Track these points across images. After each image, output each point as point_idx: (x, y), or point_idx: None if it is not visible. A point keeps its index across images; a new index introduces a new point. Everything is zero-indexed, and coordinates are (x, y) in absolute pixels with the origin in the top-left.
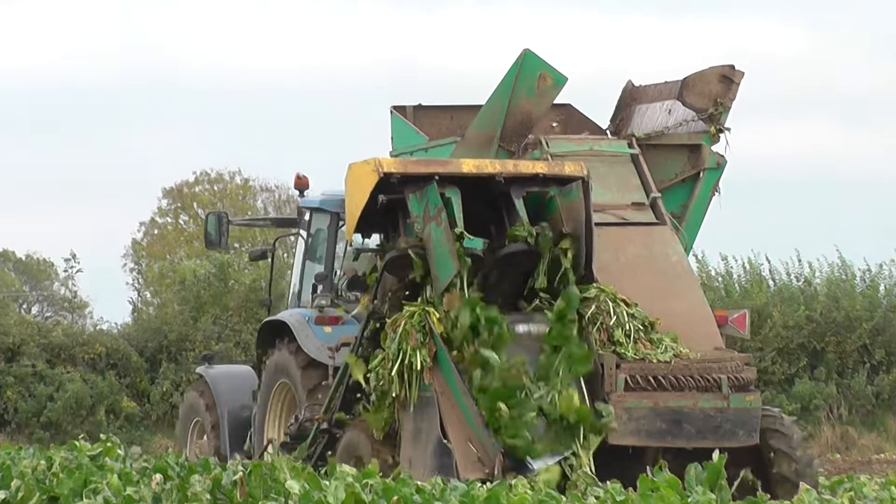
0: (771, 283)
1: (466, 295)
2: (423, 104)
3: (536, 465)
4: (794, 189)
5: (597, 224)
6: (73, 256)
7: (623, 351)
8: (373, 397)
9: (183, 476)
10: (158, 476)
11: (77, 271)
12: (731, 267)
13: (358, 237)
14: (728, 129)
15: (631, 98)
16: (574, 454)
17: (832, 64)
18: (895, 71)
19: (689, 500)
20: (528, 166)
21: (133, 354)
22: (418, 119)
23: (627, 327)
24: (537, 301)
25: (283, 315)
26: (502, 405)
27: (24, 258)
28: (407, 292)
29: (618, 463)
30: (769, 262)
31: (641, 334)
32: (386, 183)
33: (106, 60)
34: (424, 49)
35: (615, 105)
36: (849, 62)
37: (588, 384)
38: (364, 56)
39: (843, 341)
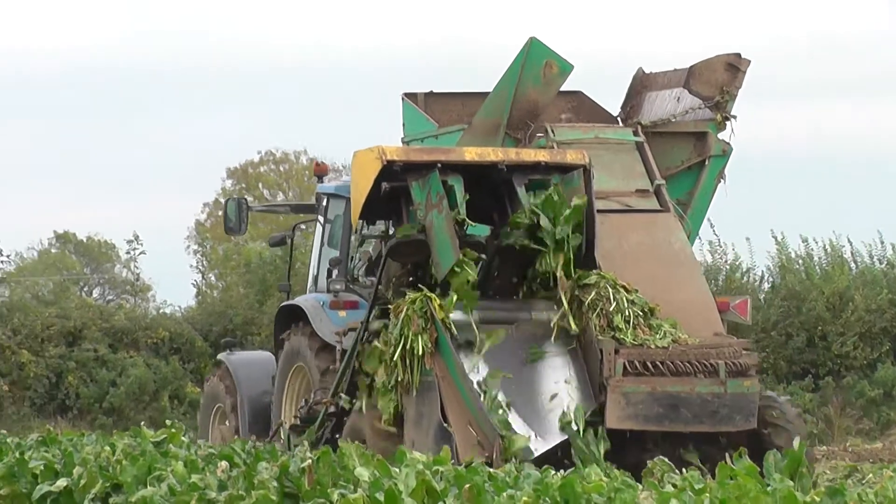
0: (853, 265)
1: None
2: (435, 91)
3: (538, 450)
4: (877, 169)
5: (601, 211)
6: (136, 238)
7: (622, 336)
8: (378, 382)
9: (249, 463)
10: (224, 463)
11: (140, 253)
12: (812, 249)
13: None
14: (734, 117)
15: (641, 85)
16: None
17: None
18: None
19: (769, 488)
20: (529, 154)
21: (197, 339)
22: (429, 106)
23: (627, 313)
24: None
25: (299, 300)
26: None
27: (85, 240)
28: (411, 278)
29: (616, 447)
30: (851, 244)
31: (641, 320)
32: (389, 170)
33: (165, 42)
34: (484, 27)
35: (626, 92)
36: None
37: (588, 369)
38: (433, 34)
39: None
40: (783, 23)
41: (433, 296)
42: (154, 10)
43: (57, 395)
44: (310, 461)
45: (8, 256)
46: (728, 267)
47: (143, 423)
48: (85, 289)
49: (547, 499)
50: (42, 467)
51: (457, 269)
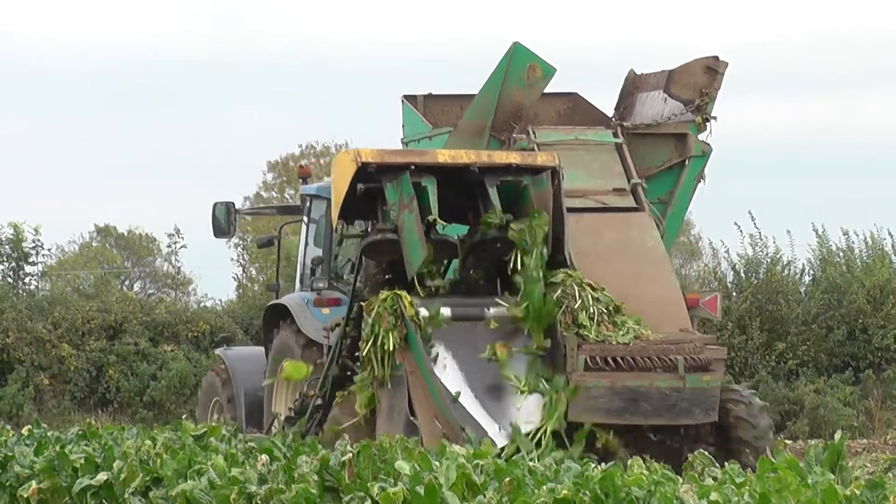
0: (894, 258)
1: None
2: (434, 93)
3: (499, 441)
4: None
5: (577, 209)
6: (177, 232)
7: (585, 333)
8: (358, 376)
9: (290, 457)
10: (264, 457)
11: (181, 247)
12: (853, 242)
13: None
14: (714, 118)
15: (633, 86)
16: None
17: None
18: None
19: (809, 480)
20: (501, 156)
21: (238, 332)
22: (429, 107)
23: (591, 310)
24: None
25: (285, 298)
26: None
27: (126, 234)
28: (387, 276)
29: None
30: (892, 236)
31: (605, 317)
32: (364, 172)
33: (208, 33)
34: (523, 27)
35: (619, 94)
36: None
37: (553, 364)
38: (474, 30)
39: None
40: (824, 14)
41: (403, 293)
42: (195, 1)
43: (97, 389)
44: (350, 455)
45: (49, 250)
46: (769, 260)
47: (183, 416)
48: (126, 282)
49: (587, 492)
50: (82, 461)
51: (425, 267)
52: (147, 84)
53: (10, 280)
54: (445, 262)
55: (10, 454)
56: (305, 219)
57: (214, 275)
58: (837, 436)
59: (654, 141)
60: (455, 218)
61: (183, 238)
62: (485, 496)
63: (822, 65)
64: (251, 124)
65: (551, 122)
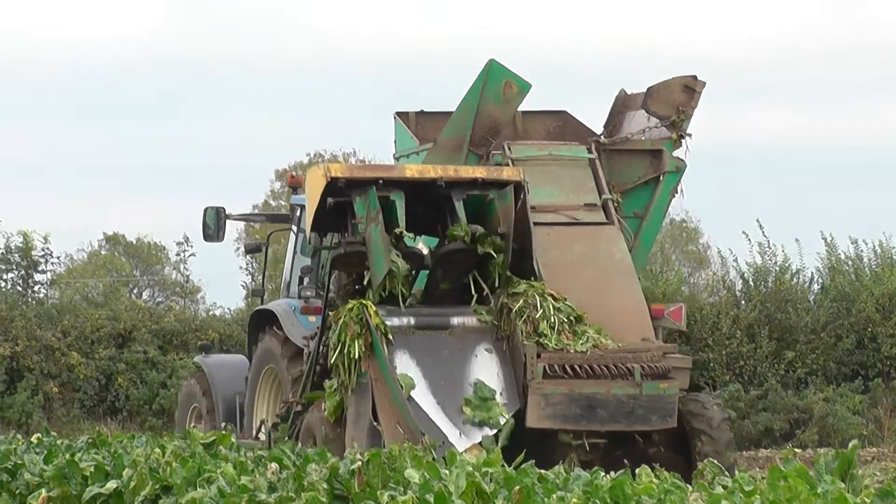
0: None
1: (399, 292)
2: (425, 110)
3: (460, 445)
4: None
5: (548, 223)
6: (186, 240)
7: (546, 342)
8: (328, 383)
9: (299, 465)
10: (274, 465)
11: (190, 255)
12: (862, 251)
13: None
14: (689, 135)
15: (624, 105)
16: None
17: None
18: None
19: (819, 489)
20: (467, 171)
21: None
22: (420, 124)
23: (552, 320)
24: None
25: (272, 305)
26: None
27: (134, 242)
28: (357, 286)
29: (535, 446)
30: None
31: (566, 326)
32: (334, 186)
33: (215, 39)
34: (534, 26)
35: (609, 111)
36: None
37: (514, 372)
38: (491, 31)
39: None
40: (832, 18)
41: (368, 303)
42: (197, 5)
43: (107, 397)
44: (360, 463)
45: (58, 258)
46: (777, 268)
47: (192, 425)
48: (135, 290)
49: (597, 500)
50: (92, 469)
51: (388, 277)
52: (156, 90)
53: (19, 288)
54: (414, 272)
55: (19, 462)
56: (294, 228)
57: (223, 283)
58: (851, 445)
59: (631, 157)
60: (424, 231)
61: (192, 246)
62: None
63: (831, 71)
64: (260, 132)
65: (541, 138)
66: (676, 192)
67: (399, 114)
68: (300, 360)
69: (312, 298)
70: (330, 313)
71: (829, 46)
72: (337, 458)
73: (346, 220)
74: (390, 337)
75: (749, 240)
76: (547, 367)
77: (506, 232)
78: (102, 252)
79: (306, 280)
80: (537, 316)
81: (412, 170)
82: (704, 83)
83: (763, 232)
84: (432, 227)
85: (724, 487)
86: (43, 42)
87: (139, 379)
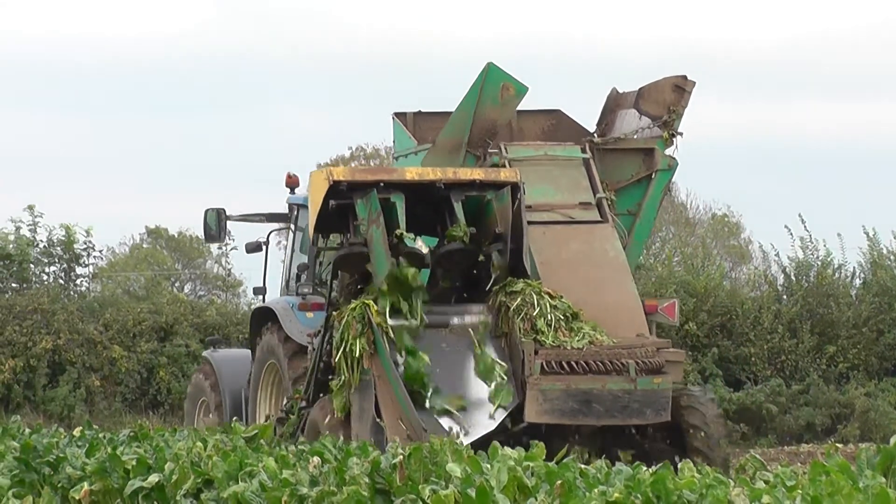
0: None
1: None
2: (423, 111)
3: (463, 442)
4: None
5: (544, 222)
6: (228, 233)
7: (543, 339)
8: (333, 381)
9: (341, 459)
10: (316, 459)
11: (231, 249)
12: None
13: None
14: (681, 134)
15: (615, 104)
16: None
17: None
18: None
19: (860, 484)
20: (466, 173)
21: None
22: (418, 124)
23: (549, 317)
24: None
25: (271, 302)
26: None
27: (176, 235)
28: (359, 286)
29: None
30: None
31: (562, 324)
32: (336, 189)
33: (260, 34)
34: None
35: (601, 110)
36: None
37: (512, 368)
38: (518, 26)
39: None
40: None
41: (370, 302)
42: (244, 4)
43: (148, 391)
44: (401, 457)
45: (100, 252)
46: (819, 263)
47: (233, 419)
48: (176, 284)
49: (638, 495)
50: (134, 462)
51: (390, 278)
52: (200, 85)
53: (61, 282)
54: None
55: (61, 455)
56: (292, 227)
57: None
58: (893, 440)
59: (624, 155)
60: (424, 231)
61: (233, 240)
62: (536, 499)
63: (869, 63)
64: (303, 126)
65: (535, 137)
66: (669, 190)
67: (397, 114)
68: (300, 356)
69: (310, 295)
70: (333, 312)
71: (865, 35)
72: (378, 452)
73: (348, 222)
74: (392, 335)
75: (791, 234)
76: (545, 364)
77: (503, 232)
78: (144, 245)
79: (303, 277)
80: (534, 314)
81: (412, 172)
82: (694, 83)
83: (805, 226)
84: (432, 228)
85: (766, 482)
86: (87, 38)
87: (181, 372)
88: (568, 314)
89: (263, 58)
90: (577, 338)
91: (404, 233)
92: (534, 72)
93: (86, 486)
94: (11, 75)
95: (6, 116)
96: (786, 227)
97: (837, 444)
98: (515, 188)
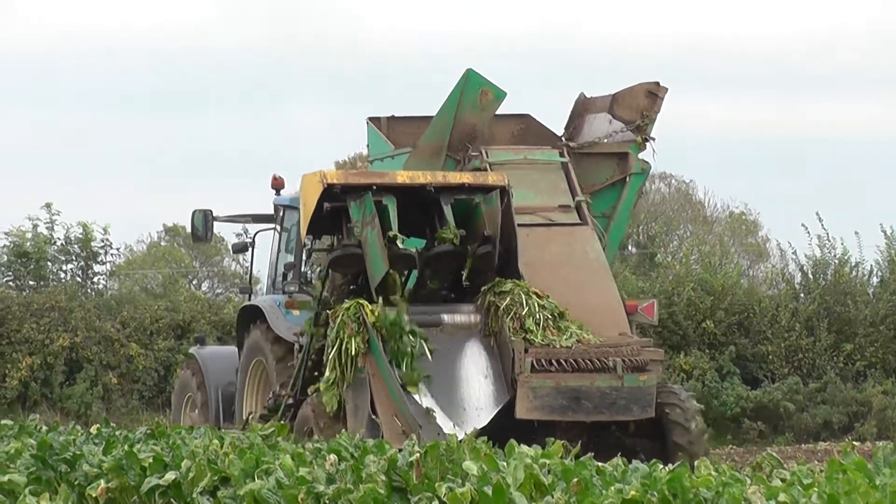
0: None
1: (398, 291)
2: (396, 115)
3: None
4: None
5: (526, 225)
6: (245, 231)
7: (532, 337)
8: (325, 378)
9: (357, 457)
10: (333, 456)
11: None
12: None
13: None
14: (653, 139)
15: (583, 108)
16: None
17: None
18: None
19: (877, 482)
20: (455, 177)
21: None
22: (392, 128)
23: (537, 317)
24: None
25: (258, 300)
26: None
27: None
28: (352, 287)
29: (525, 436)
30: None
31: (550, 323)
32: (330, 192)
33: (275, 30)
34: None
35: (569, 115)
36: None
37: (502, 366)
38: (525, 21)
39: None
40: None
41: (365, 302)
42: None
43: (165, 388)
44: (418, 455)
45: (118, 249)
46: (837, 261)
47: (249, 415)
48: (194, 282)
49: (655, 493)
50: (151, 460)
51: (386, 278)
52: (218, 83)
53: (79, 279)
54: (406, 273)
55: (78, 453)
56: (278, 227)
57: None
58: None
59: (598, 159)
60: (414, 233)
61: (251, 238)
62: (552, 496)
63: (882, 61)
64: (322, 123)
65: (506, 141)
66: (642, 193)
67: (371, 119)
68: (287, 354)
69: (296, 294)
70: (327, 312)
71: (880, 32)
72: (395, 449)
73: (341, 224)
74: (385, 334)
75: (808, 232)
76: (534, 362)
77: (492, 234)
78: (162, 243)
79: (290, 276)
80: (523, 313)
81: (403, 176)
82: (667, 89)
83: (822, 224)
84: (421, 230)
85: (783, 480)
86: (103, 32)
87: None
88: (555, 313)
89: (281, 54)
90: (564, 336)
91: (398, 234)
92: (536, 70)
93: (102, 483)
94: (29, 72)
95: (24, 114)
96: (803, 225)
97: (854, 442)
98: (503, 192)
